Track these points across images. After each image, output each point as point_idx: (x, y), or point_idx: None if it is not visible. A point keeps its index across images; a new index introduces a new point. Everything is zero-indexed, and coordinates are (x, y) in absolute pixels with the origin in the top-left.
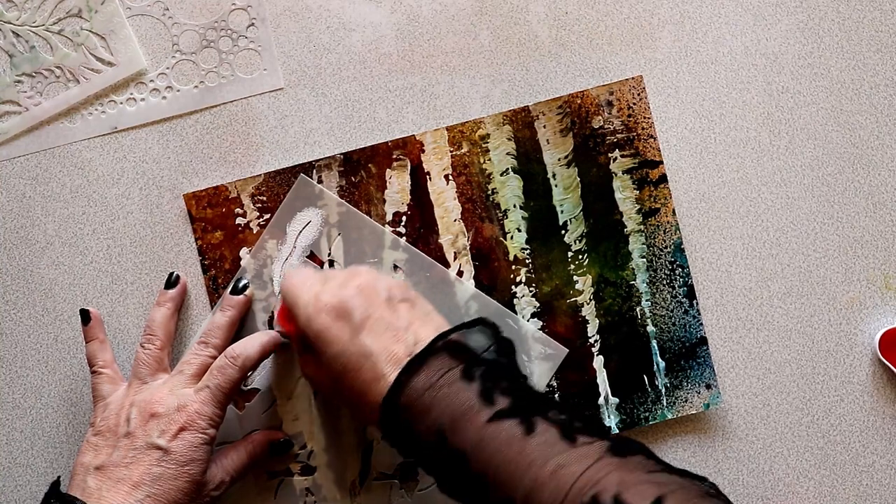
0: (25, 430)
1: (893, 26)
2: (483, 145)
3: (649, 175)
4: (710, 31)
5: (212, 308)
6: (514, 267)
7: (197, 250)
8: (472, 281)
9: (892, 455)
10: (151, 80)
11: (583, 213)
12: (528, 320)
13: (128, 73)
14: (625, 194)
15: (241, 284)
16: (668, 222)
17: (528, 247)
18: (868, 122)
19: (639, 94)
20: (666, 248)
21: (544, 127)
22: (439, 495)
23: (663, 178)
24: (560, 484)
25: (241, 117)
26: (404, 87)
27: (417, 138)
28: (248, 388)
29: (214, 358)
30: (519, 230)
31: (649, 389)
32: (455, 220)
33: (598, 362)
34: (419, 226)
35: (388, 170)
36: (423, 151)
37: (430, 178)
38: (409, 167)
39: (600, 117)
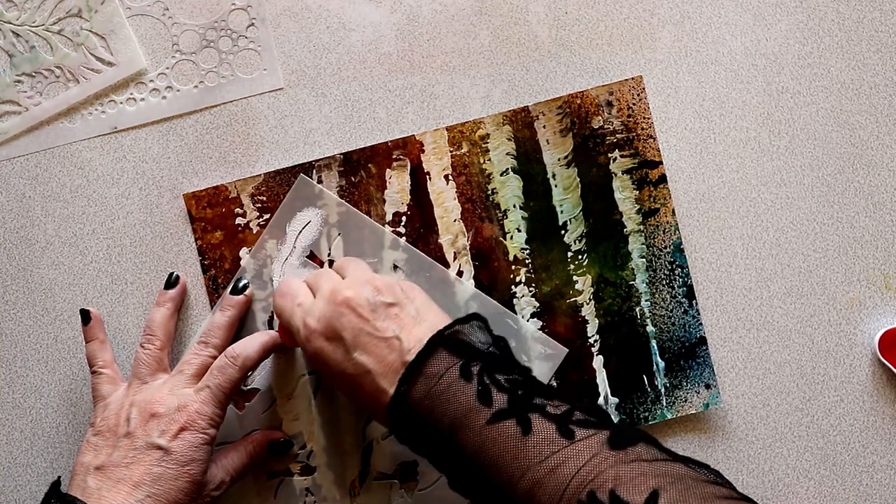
0: (25, 430)
1: (893, 26)
2: (483, 145)
3: (649, 175)
4: (710, 31)
5: (212, 308)
6: (513, 267)
7: (197, 250)
8: (472, 281)
9: (892, 455)
10: (151, 80)
11: (582, 213)
12: (527, 320)
13: (128, 73)
14: (624, 194)
15: (240, 284)
16: (667, 222)
17: (527, 247)
18: (868, 122)
19: (639, 95)
20: (665, 248)
21: (544, 127)
22: (439, 495)
23: (663, 179)
24: (558, 482)
25: (241, 117)
26: (404, 87)
27: (417, 138)
28: (248, 388)
29: (214, 358)
30: (519, 230)
31: (649, 389)
32: (455, 220)
33: (598, 362)
34: (419, 226)
35: (388, 170)
36: (423, 151)
37: (429, 178)
38: (408, 167)
39: (600, 117)
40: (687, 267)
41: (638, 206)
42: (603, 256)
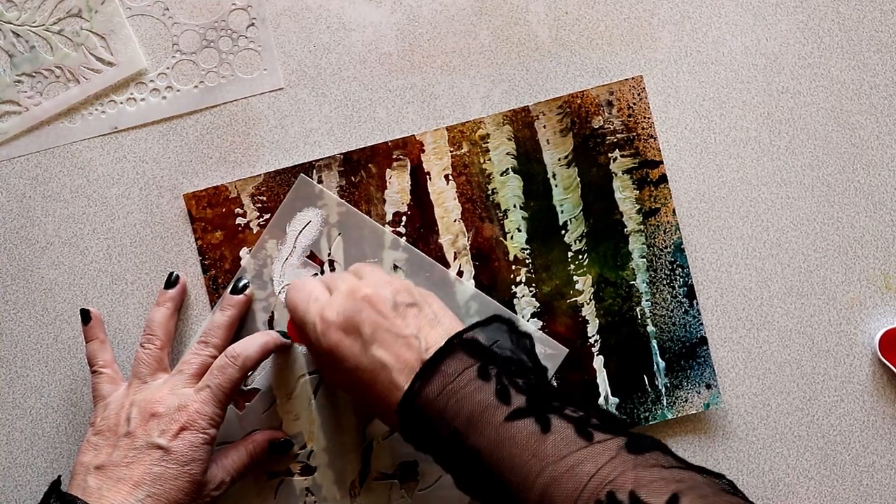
0: (25, 430)
1: (893, 26)
2: (483, 145)
3: (649, 175)
4: (710, 31)
5: (212, 308)
6: (514, 267)
7: (197, 250)
8: (472, 281)
9: (892, 455)
10: (151, 80)
11: (583, 213)
12: (528, 320)
13: (128, 73)
14: (625, 194)
15: (241, 284)
16: (668, 222)
17: (528, 247)
18: (868, 122)
19: (639, 94)
20: (666, 248)
21: (544, 127)
22: (439, 495)
23: (663, 178)
24: (576, 482)
25: (241, 117)
26: (404, 87)
27: (417, 138)
28: (248, 388)
29: (214, 357)
30: (519, 230)
31: (649, 389)
32: (455, 220)
33: (598, 362)
34: (419, 226)
35: (388, 170)
36: (423, 151)
37: (430, 178)
38: (409, 167)
39: (600, 117)
40: (687, 267)
41: (638, 206)
42: (603, 256)
